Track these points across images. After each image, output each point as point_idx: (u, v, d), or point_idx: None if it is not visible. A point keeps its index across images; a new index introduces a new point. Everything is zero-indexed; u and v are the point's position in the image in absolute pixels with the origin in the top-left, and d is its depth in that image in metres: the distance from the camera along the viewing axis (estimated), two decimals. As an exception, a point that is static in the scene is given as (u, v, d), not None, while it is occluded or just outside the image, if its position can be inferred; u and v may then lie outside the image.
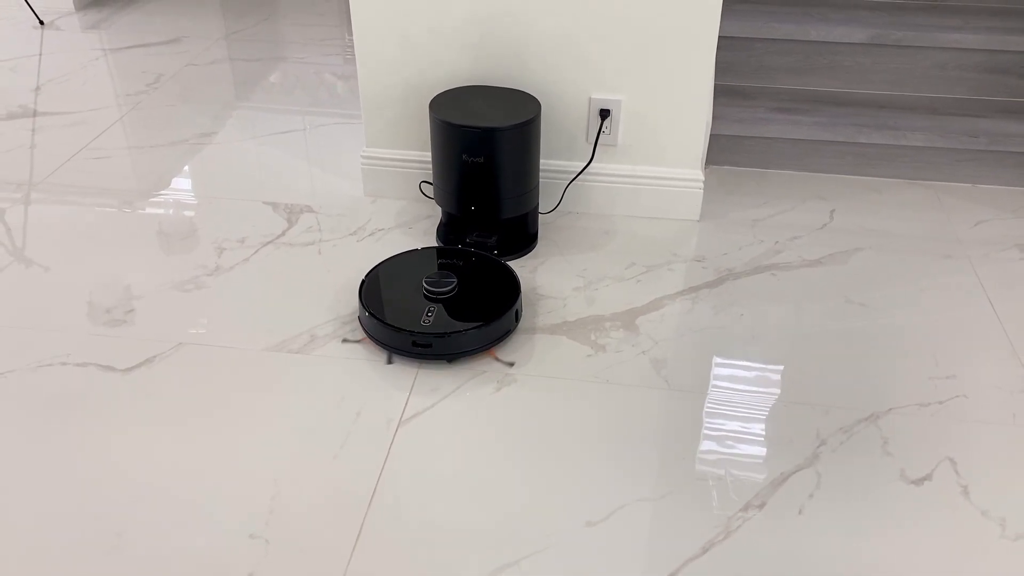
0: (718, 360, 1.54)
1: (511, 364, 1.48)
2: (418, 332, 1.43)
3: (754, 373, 1.51)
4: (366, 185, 1.96)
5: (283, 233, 1.86)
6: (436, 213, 1.88)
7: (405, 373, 1.49)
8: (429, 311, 1.47)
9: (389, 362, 1.47)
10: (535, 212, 1.79)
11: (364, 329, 1.51)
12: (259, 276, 1.72)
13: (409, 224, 1.89)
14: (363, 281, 1.55)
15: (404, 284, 1.54)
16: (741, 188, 2.03)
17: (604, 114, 1.78)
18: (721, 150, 2.11)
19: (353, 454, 1.34)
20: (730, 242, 1.83)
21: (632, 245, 1.81)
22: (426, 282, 1.51)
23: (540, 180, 1.80)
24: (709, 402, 1.44)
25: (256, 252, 1.80)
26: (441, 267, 1.56)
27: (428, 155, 1.88)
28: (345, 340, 1.51)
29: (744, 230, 1.87)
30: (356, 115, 2.39)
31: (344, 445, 1.35)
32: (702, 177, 1.87)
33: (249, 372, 1.49)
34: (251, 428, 1.38)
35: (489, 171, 1.62)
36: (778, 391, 1.46)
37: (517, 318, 1.53)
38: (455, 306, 1.49)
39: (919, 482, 1.30)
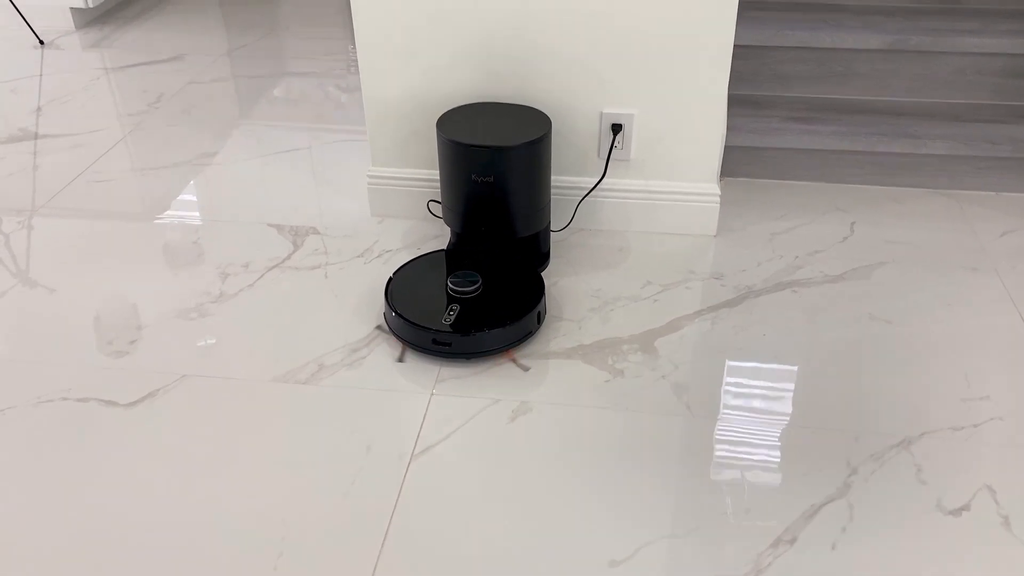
0: (741, 384, 1.49)
1: (527, 368, 1.46)
2: (439, 331, 1.44)
3: (779, 397, 1.47)
4: (372, 205, 1.92)
5: (288, 256, 1.83)
6: (445, 233, 1.85)
7: (416, 400, 1.45)
8: (451, 309, 1.48)
9: (400, 359, 1.46)
10: (547, 231, 1.75)
11: (388, 326, 1.53)
12: (265, 302, 1.69)
13: (417, 244, 1.85)
14: (390, 279, 1.58)
15: (430, 281, 1.57)
16: (758, 201, 1.99)
17: (616, 129, 1.74)
18: (736, 161, 2.06)
19: (364, 492, 1.30)
20: (748, 258, 1.79)
21: (647, 263, 1.78)
22: (451, 281, 1.52)
23: (552, 197, 1.76)
24: (733, 429, 1.40)
25: (261, 277, 1.77)
26: (467, 267, 1.57)
27: (436, 173, 1.84)
28: (379, 327, 1.53)
29: (762, 245, 1.83)
30: (363, 131, 2.35)
31: (355, 482, 1.31)
32: (718, 191, 1.82)
33: (255, 405, 1.45)
34: (257, 466, 1.35)
35: (499, 191, 1.59)
36: (805, 416, 1.42)
37: (539, 320, 1.53)
38: (478, 306, 1.50)
39: (956, 512, 1.25)
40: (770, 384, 1.49)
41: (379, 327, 1.58)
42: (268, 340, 1.59)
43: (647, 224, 1.85)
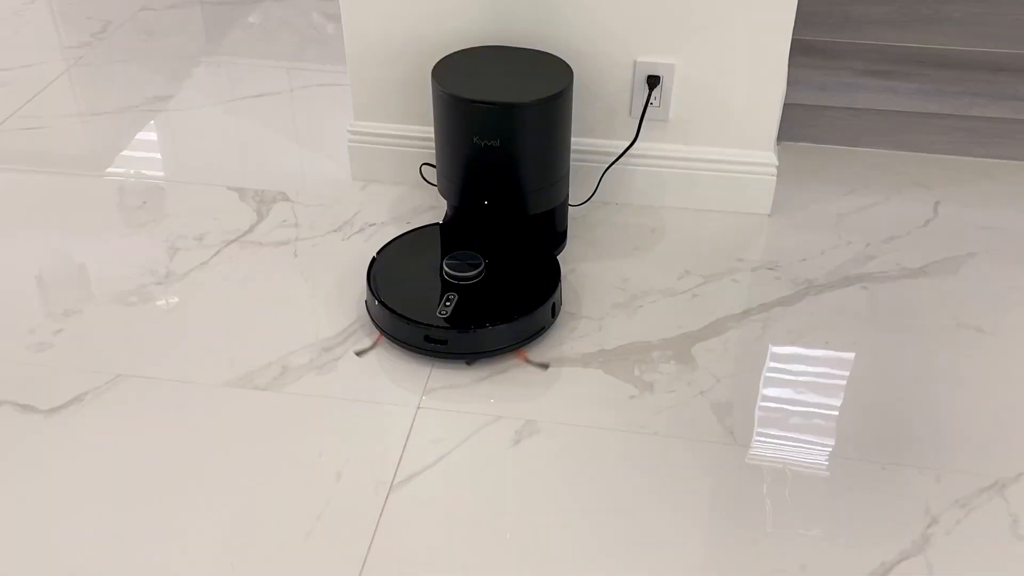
0: (797, 405, 1.43)
1: (546, 366, 1.45)
2: (432, 325, 1.41)
3: (843, 424, 1.40)
4: (354, 167, 1.88)
5: (251, 228, 1.79)
6: (441, 204, 1.78)
7: (399, 415, 1.40)
8: (448, 299, 1.45)
9: (361, 353, 1.46)
10: (564, 206, 1.69)
11: (371, 317, 1.50)
12: (220, 286, 1.64)
13: (407, 218, 1.80)
14: (373, 259, 1.54)
15: (422, 263, 1.54)
16: (822, 172, 1.92)
17: (653, 82, 1.69)
18: (797, 123, 1.99)
19: (332, 529, 1.24)
20: (809, 244, 1.73)
21: (686, 247, 1.72)
22: (447, 264, 1.49)
23: (571, 164, 1.69)
24: (786, 462, 1.33)
25: (217, 253, 1.72)
26: (467, 247, 1.53)
27: (431, 131, 1.76)
28: (360, 352, 1.49)
29: (826, 228, 1.77)
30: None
31: (321, 517, 1.25)
32: (775, 160, 1.76)
33: (204, 416, 1.40)
34: (203, 494, 1.29)
35: (507, 158, 1.53)
36: (875, 449, 1.35)
37: (554, 313, 1.50)
38: (479, 295, 1.47)
39: (1062, 578, 1.17)
40: (832, 406, 1.43)
41: (359, 352, 1.51)
42: (222, 334, 1.55)
43: (687, 199, 1.81)
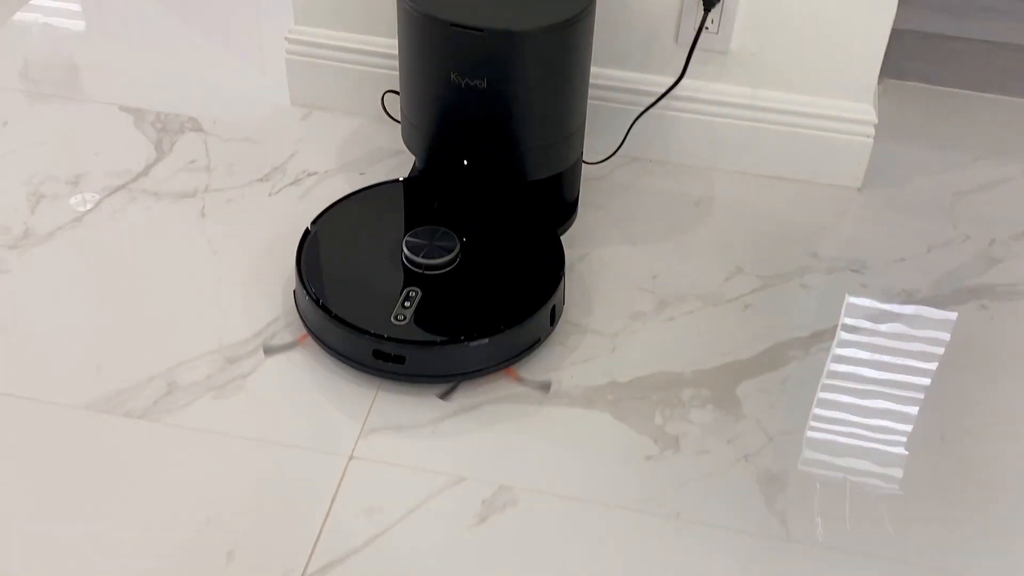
0: (882, 482, 1.34)
1: (547, 386, 1.41)
2: (383, 337, 1.36)
3: (950, 515, 1.31)
4: (294, 89, 1.85)
5: (146, 170, 1.71)
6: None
7: (323, 466, 1.32)
8: (408, 297, 1.40)
9: (267, 349, 1.43)
10: (576, 167, 1.63)
11: (299, 312, 1.46)
12: (95, 256, 1.58)
13: (360, 165, 1.76)
14: (307, 232, 1.50)
15: (376, 241, 1.50)
16: (937, 129, 1.87)
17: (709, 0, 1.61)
18: (906, 55, 1.92)
19: None
20: (911, 236, 1.68)
21: (740, 231, 1.67)
22: (408, 245, 1.45)
23: (589, 104, 1.64)
24: (862, 572, 1.25)
25: (96, 206, 1.65)
26: (438, 220, 1.50)
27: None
28: (269, 349, 1.44)
29: (937, 213, 1.71)
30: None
31: None
32: (873, 116, 1.71)
33: (45, 453, 1.33)
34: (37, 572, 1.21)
35: (497, 104, 1.48)
36: (997, 558, 1.27)
37: (553, 320, 1.46)
38: (452, 291, 1.44)
39: None
40: (933, 485, 1.34)
41: (269, 349, 1.45)
42: (91, 327, 1.48)
43: (746, 161, 1.77)
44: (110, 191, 1.67)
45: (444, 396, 1.39)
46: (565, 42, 1.46)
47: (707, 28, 1.63)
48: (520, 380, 1.41)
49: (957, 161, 1.80)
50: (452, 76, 1.45)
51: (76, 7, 2.10)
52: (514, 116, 1.50)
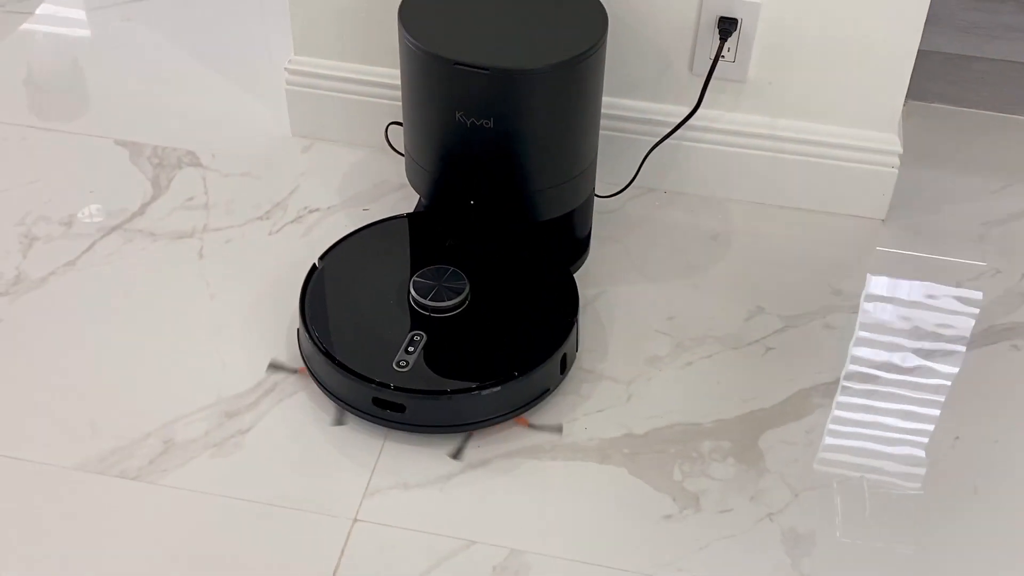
0: (918, 545, 1.30)
1: (559, 428, 1.40)
2: (385, 385, 1.34)
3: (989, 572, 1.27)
4: (294, 119, 1.83)
5: (142, 209, 1.69)
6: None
7: (327, 529, 1.28)
8: (413, 342, 1.38)
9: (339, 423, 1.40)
10: (588, 201, 1.60)
11: (303, 357, 1.44)
12: (88, 303, 1.55)
13: (365, 200, 1.72)
14: (313, 268, 1.49)
15: (382, 280, 1.49)
16: (963, 153, 1.84)
17: (727, 27, 1.60)
18: (929, 76, 1.90)
19: None
20: (939, 271, 1.65)
21: (760, 267, 1.65)
22: (416, 286, 1.43)
23: (601, 137, 1.62)
24: None
25: (90, 248, 1.62)
26: (447, 258, 1.48)
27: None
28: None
29: (965, 245, 1.69)
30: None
31: None
32: (898, 146, 1.67)
33: (37, 517, 1.30)
34: None
35: (505, 144, 1.46)
36: None
37: (564, 367, 1.43)
38: (459, 336, 1.42)
39: None
40: (974, 535, 1.30)
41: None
42: (84, 381, 1.45)
43: (765, 192, 1.75)
44: (105, 232, 1.63)
45: (456, 456, 1.36)
46: (575, 79, 1.43)
47: (723, 57, 1.61)
48: (530, 426, 1.39)
49: (985, 188, 1.77)
50: (457, 115, 1.43)
51: (68, 36, 2.08)
52: (522, 156, 1.48)
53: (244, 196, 1.70)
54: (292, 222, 1.66)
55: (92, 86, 1.94)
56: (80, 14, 2.10)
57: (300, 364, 1.43)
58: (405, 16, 1.43)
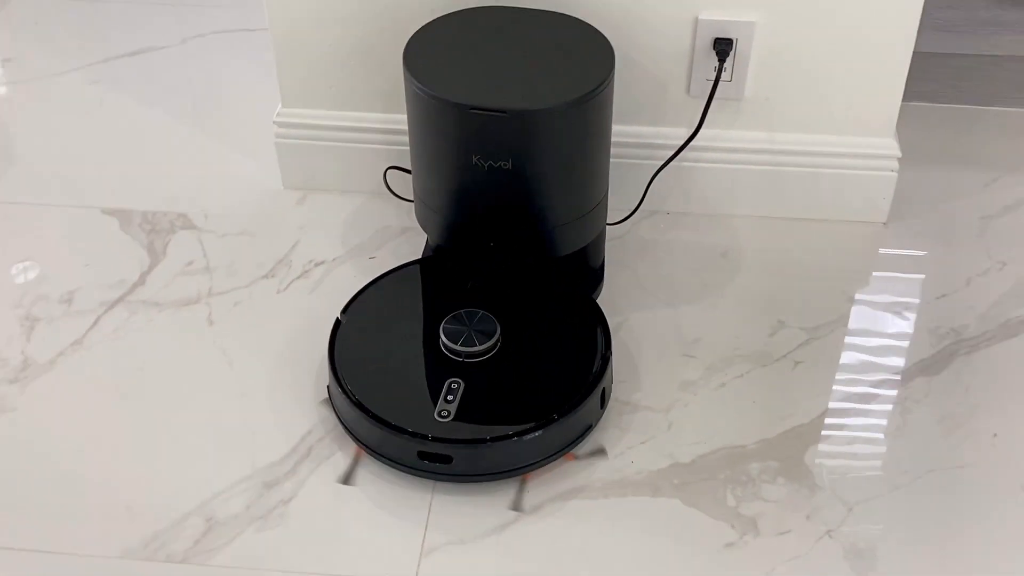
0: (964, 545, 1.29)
1: (602, 451, 1.39)
2: (428, 437, 1.32)
3: None
4: (285, 172, 1.81)
5: (142, 279, 1.65)
6: (415, 224, 1.66)
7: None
8: (451, 390, 1.36)
9: (347, 480, 1.37)
10: (600, 236, 1.61)
11: (338, 416, 1.42)
12: (101, 382, 1.50)
13: (370, 248, 1.70)
14: (337, 322, 1.46)
15: (408, 328, 1.48)
16: (950, 149, 1.85)
17: (723, 47, 1.60)
18: (914, 75, 1.85)
19: None
20: (947, 269, 1.65)
21: (772, 279, 1.65)
22: (445, 333, 1.41)
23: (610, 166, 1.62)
24: None
25: (95, 325, 1.57)
26: (470, 300, 1.46)
27: (394, 119, 1.71)
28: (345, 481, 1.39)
29: (968, 240, 1.69)
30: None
31: None
32: (897, 151, 1.68)
33: None
34: None
35: (524, 184, 1.45)
36: None
37: (603, 402, 1.42)
38: (495, 378, 1.40)
39: None
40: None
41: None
42: (112, 466, 1.41)
43: (768, 206, 1.76)
44: (108, 305, 1.59)
45: (516, 507, 1.34)
46: (591, 114, 1.42)
47: (722, 78, 1.61)
48: (575, 458, 1.38)
49: (977, 181, 1.79)
50: (474, 159, 1.41)
51: (32, 103, 2.04)
52: (542, 194, 1.47)
53: (245, 255, 1.67)
54: (299, 278, 1.63)
55: (67, 155, 1.89)
56: (43, 81, 2.07)
57: (334, 424, 1.40)
58: (410, 63, 1.41)
